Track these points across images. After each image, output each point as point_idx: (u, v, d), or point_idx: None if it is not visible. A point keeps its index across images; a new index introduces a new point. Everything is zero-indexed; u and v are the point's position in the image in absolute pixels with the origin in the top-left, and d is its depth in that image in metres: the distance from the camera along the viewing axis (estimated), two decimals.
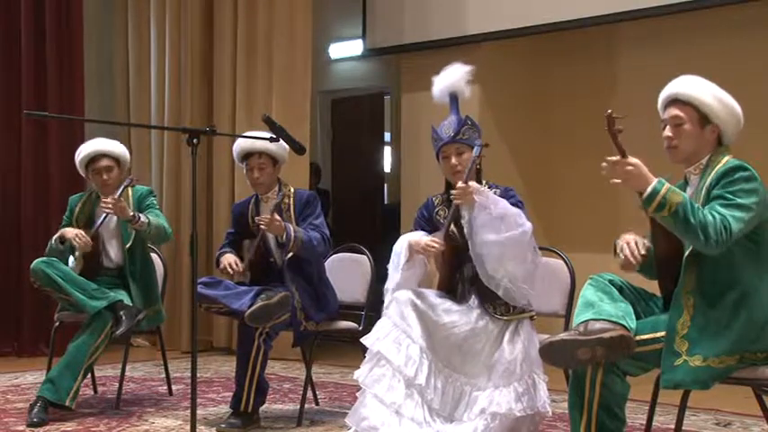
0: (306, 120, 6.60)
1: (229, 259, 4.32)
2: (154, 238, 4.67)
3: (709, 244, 2.78)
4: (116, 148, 4.72)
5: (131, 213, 4.46)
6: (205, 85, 7.04)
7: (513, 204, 3.65)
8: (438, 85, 3.86)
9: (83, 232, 4.54)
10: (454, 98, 3.83)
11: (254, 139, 4.26)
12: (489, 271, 3.56)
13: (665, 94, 3.08)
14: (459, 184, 3.54)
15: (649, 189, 2.82)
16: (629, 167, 2.85)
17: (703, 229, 2.77)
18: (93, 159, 4.65)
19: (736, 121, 3.02)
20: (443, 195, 3.87)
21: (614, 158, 2.87)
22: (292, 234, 4.15)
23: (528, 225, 3.57)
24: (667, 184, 2.83)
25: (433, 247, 3.61)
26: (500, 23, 6.32)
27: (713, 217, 2.79)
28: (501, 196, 3.69)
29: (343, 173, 9.14)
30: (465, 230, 3.60)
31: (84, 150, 4.68)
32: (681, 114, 3.00)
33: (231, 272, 4.27)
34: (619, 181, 2.88)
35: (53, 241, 4.59)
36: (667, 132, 3.03)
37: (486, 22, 6.38)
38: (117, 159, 4.70)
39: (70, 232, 4.54)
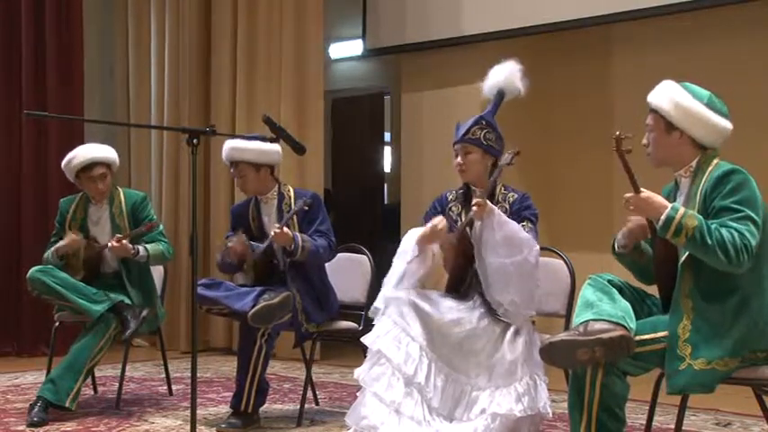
0: (320, 121, 6.62)
1: (229, 244, 4.29)
2: (152, 264, 4.74)
3: (731, 263, 2.80)
4: (108, 153, 4.71)
5: (132, 251, 4.51)
6: (204, 86, 7.04)
7: (526, 218, 3.67)
8: (491, 79, 3.89)
9: (79, 244, 4.56)
10: (500, 96, 3.86)
11: (230, 149, 4.33)
12: (494, 294, 3.58)
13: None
14: (477, 199, 3.55)
15: (663, 217, 2.85)
16: (643, 201, 2.91)
17: (723, 249, 2.78)
18: (86, 167, 4.62)
19: (705, 125, 2.99)
20: (458, 191, 3.88)
21: (629, 195, 2.93)
22: (300, 244, 4.17)
23: (534, 251, 3.57)
24: (681, 209, 2.85)
25: (436, 227, 3.64)
26: (500, 23, 6.31)
27: (730, 234, 2.80)
28: (516, 204, 3.71)
29: (343, 173, 9.14)
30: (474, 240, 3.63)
31: (78, 158, 4.63)
32: (650, 122, 3.07)
33: (238, 248, 4.26)
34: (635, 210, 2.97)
35: (50, 255, 4.59)
36: (643, 140, 3.09)
37: (486, 22, 6.37)
38: (109, 165, 4.69)
39: (70, 248, 4.56)
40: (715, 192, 2.90)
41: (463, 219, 3.75)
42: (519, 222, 3.63)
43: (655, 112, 3.05)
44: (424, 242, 3.69)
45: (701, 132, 3.00)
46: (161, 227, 4.78)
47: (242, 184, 4.40)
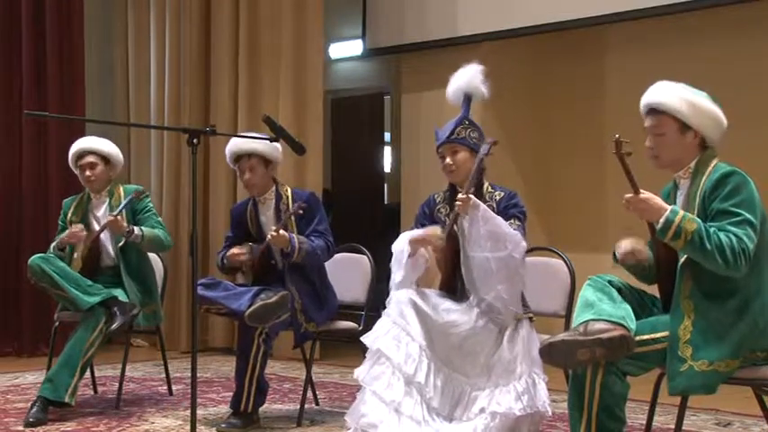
0: (319, 120, 6.60)
1: (233, 250, 4.32)
2: (148, 249, 4.73)
3: (729, 267, 2.80)
4: (103, 145, 4.75)
5: (126, 229, 4.50)
6: (204, 86, 7.04)
7: (513, 215, 3.65)
8: (453, 84, 3.86)
9: (78, 229, 4.58)
10: (468, 99, 3.83)
11: (244, 141, 4.33)
12: (479, 291, 3.57)
13: (642, 102, 3.09)
14: (461, 195, 3.54)
15: (662, 220, 2.85)
16: (643, 202, 2.90)
17: (721, 253, 2.79)
18: (80, 156, 4.71)
19: (715, 123, 3.01)
20: (446, 193, 3.88)
21: (629, 195, 2.92)
22: (296, 245, 4.17)
23: (520, 248, 3.54)
24: (681, 212, 2.85)
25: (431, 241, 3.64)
26: (500, 23, 6.32)
27: (729, 238, 2.80)
28: (503, 202, 3.69)
29: (343, 173, 9.14)
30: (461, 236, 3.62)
31: (73, 148, 4.75)
32: (659, 124, 3.02)
33: (241, 257, 4.28)
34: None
35: (52, 249, 4.62)
36: (648, 143, 3.06)
37: (486, 22, 6.38)
38: (103, 157, 4.72)
39: (69, 236, 4.59)
40: (714, 194, 2.90)
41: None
42: (506, 220, 3.61)
43: (662, 113, 3.01)
44: (416, 244, 3.69)
45: (712, 130, 3.01)
46: (159, 218, 4.79)
47: (251, 178, 4.33)
